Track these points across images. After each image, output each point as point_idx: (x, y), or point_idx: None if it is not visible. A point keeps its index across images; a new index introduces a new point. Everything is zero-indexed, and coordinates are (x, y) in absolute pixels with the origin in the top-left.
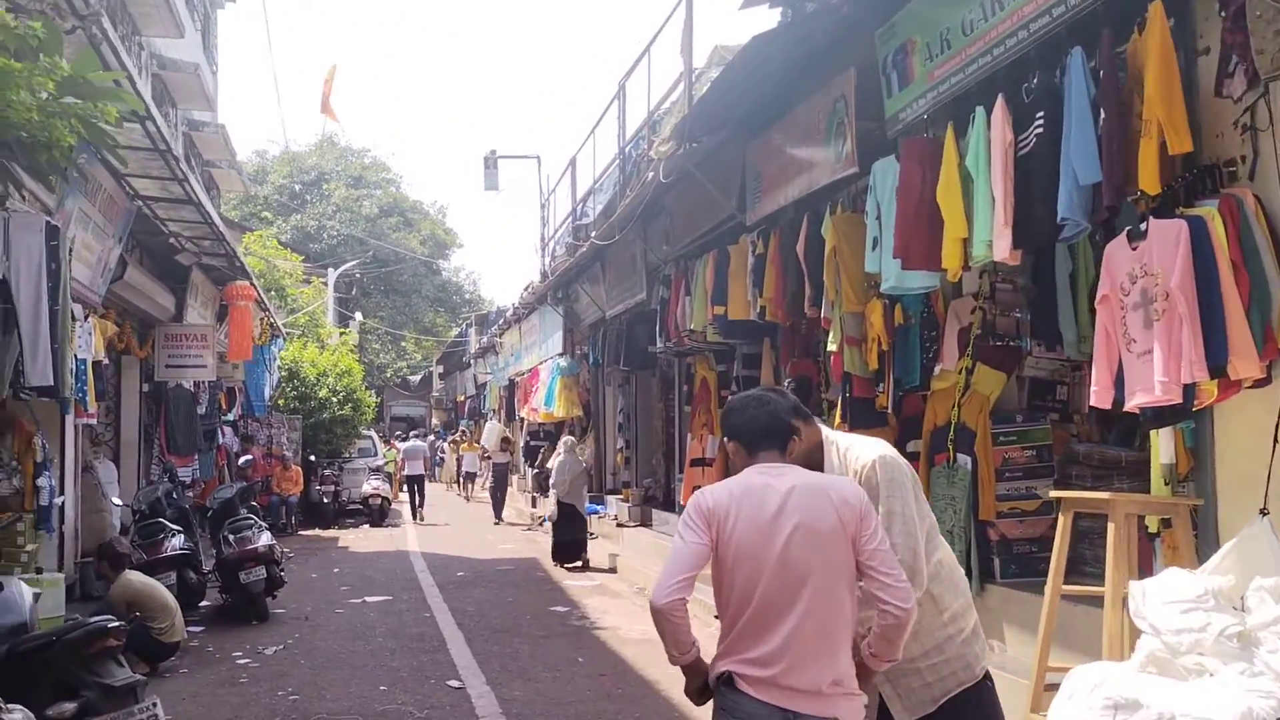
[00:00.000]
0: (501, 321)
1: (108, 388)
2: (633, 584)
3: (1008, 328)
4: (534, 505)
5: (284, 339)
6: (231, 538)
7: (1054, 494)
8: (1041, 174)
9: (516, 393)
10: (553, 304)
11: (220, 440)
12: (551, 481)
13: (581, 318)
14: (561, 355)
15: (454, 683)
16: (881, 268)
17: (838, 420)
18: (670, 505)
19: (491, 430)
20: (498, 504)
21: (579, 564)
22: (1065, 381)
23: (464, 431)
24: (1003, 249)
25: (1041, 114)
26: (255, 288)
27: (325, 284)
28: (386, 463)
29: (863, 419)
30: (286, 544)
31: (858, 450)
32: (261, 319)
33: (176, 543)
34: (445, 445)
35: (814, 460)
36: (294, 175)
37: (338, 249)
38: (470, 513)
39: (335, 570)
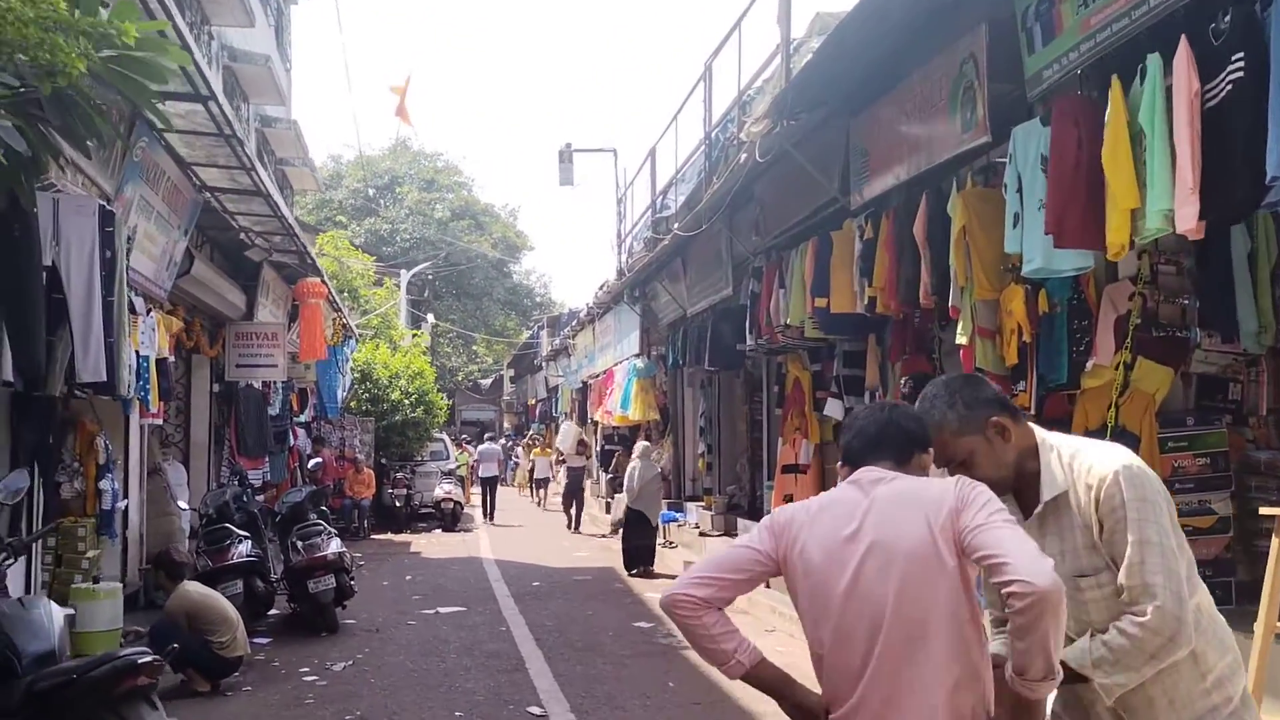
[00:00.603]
0: (574, 323)
1: (176, 387)
2: None
3: (1172, 316)
4: (608, 511)
5: (356, 340)
6: (300, 544)
7: (1267, 510)
8: (1239, 128)
9: (590, 395)
10: (629, 303)
11: (292, 442)
12: (625, 487)
13: (659, 317)
14: (638, 356)
15: (535, 709)
16: (1024, 247)
17: None
18: (756, 514)
19: (567, 432)
20: (572, 513)
21: (647, 570)
22: (1239, 379)
23: (536, 435)
24: (1188, 219)
25: (1240, 56)
26: (327, 285)
27: (398, 285)
28: (459, 466)
29: None
30: (358, 549)
31: (1091, 458)
32: (334, 319)
33: (243, 549)
34: (519, 449)
35: (1026, 470)
36: (368, 179)
37: (410, 252)
38: (543, 519)
39: (407, 578)
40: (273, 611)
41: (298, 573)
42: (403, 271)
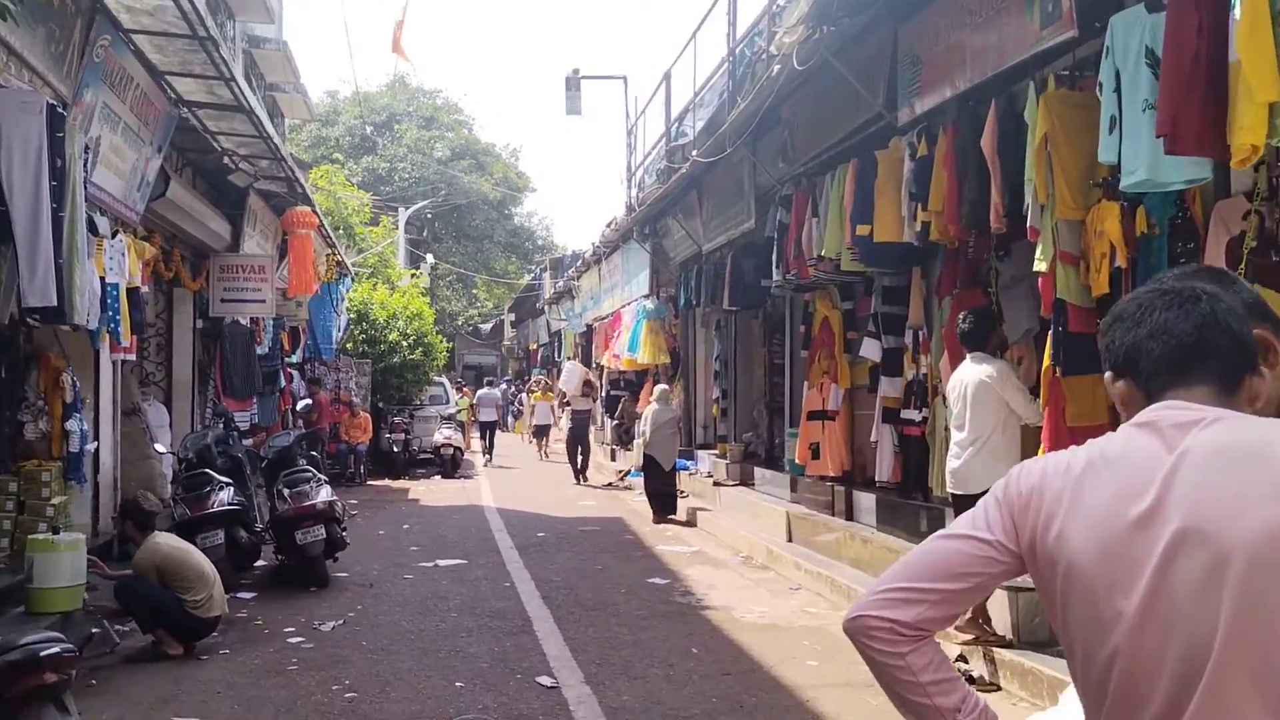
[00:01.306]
0: (579, 264)
1: (157, 322)
2: (735, 550)
3: None
4: (613, 459)
5: (353, 278)
6: (287, 492)
7: None
8: None
9: (595, 339)
10: (639, 240)
11: (283, 384)
12: (638, 431)
13: (671, 255)
14: (647, 297)
15: (545, 680)
16: (1122, 157)
17: (1046, 363)
18: (773, 462)
19: (571, 372)
20: (578, 461)
21: (677, 519)
22: None
23: (541, 379)
24: None
25: None
26: (318, 215)
27: (395, 224)
28: (459, 410)
29: (1081, 361)
30: (354, 495)
31: None
32: (327, 255)
33: (225, 497)
34: (523, 395)
35: None
36: (365, 116)
37: (408, 192)
38: (546, 467)
39: (405, 527)
40: (260, 563)
41: (284, 523)
42: (400, 209)
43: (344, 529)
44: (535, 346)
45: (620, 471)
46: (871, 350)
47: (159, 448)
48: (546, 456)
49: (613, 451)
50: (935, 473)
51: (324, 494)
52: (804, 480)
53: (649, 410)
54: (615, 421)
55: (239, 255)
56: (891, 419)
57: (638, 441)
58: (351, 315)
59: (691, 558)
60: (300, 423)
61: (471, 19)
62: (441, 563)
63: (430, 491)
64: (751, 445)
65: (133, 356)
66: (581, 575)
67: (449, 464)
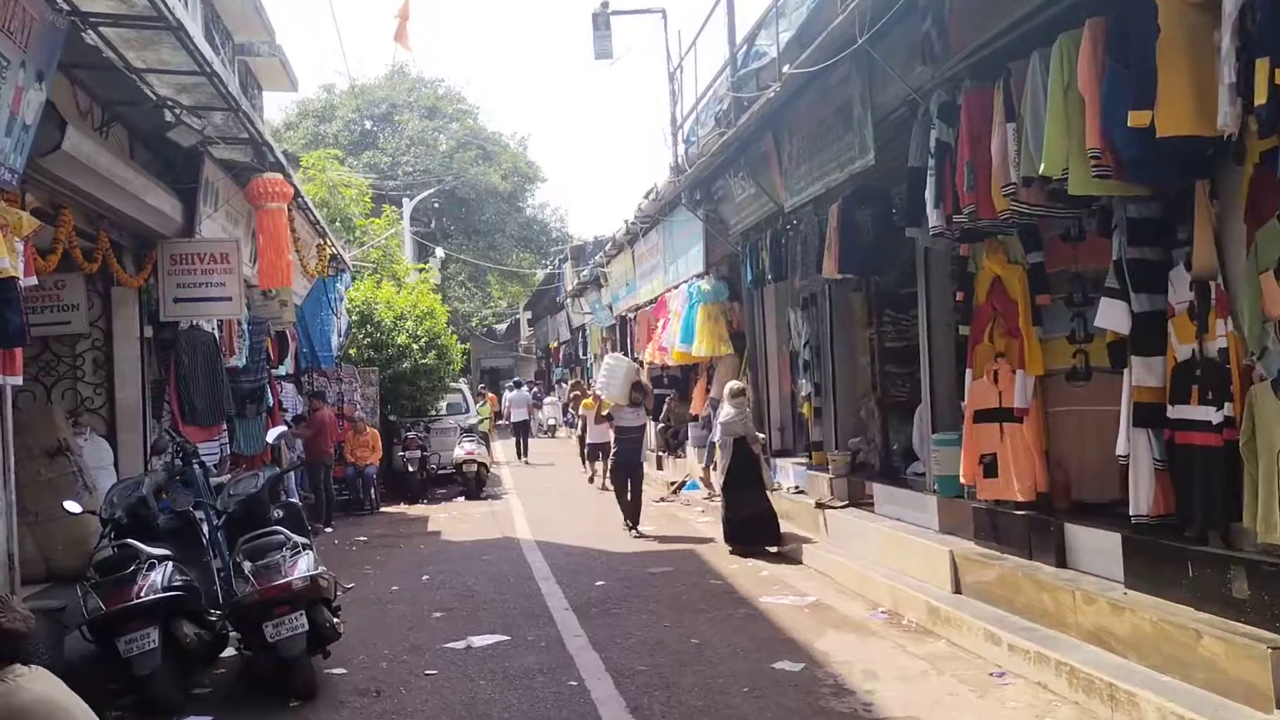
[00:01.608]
0: (608, 247)
1: (91, 331)
2: (869, 602)
3: None
4: (660, 468)
5: (352, 275)
6: (248, 566)
7: None
8: None
9: (634, 331)
10: (689, 207)
11: (270, 403)
12: (719, 440)
13: (731, 223)
14: (702, 276)
15: None
16: None
17: None
18: (892, 475)
19: (614, 371)
20: (627, 497)
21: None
22: None
23: (577, 381)
24: None
25: None
26: (292, 182)
27: (400, 215)
28: (481, 420)
29: None
30: (364, 528)
31: None
32: (318, 245)
33: (158, 580)
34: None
35: None
36: (363, 109)
37: (413, 187)
38: (581, 479)
39: (424, 578)
40: (228, 652)
41: (247, 611)
42: (405, 199)
43: (336, 611)
44: (556, 344)
45: (672, 484)
46: (1114, 317)
47: (71, 506)
48: (605, 486)
49: (659, 459)
50: (1253, 505)
51: (302, 566)
52: (968, 506)
53: (727, 417)
54: (661, 425)
55: (195, 242)
56: (1151, 420)
57: (719, 456)
58: (353, 317)
59: (814, 616)
60: (293, 449)
61: (471, 2)
62: (475, 641)
63: (454, 520)
64: (862, 454)
65: (17, 379)
66: (675, 658)
67: (473, 483)
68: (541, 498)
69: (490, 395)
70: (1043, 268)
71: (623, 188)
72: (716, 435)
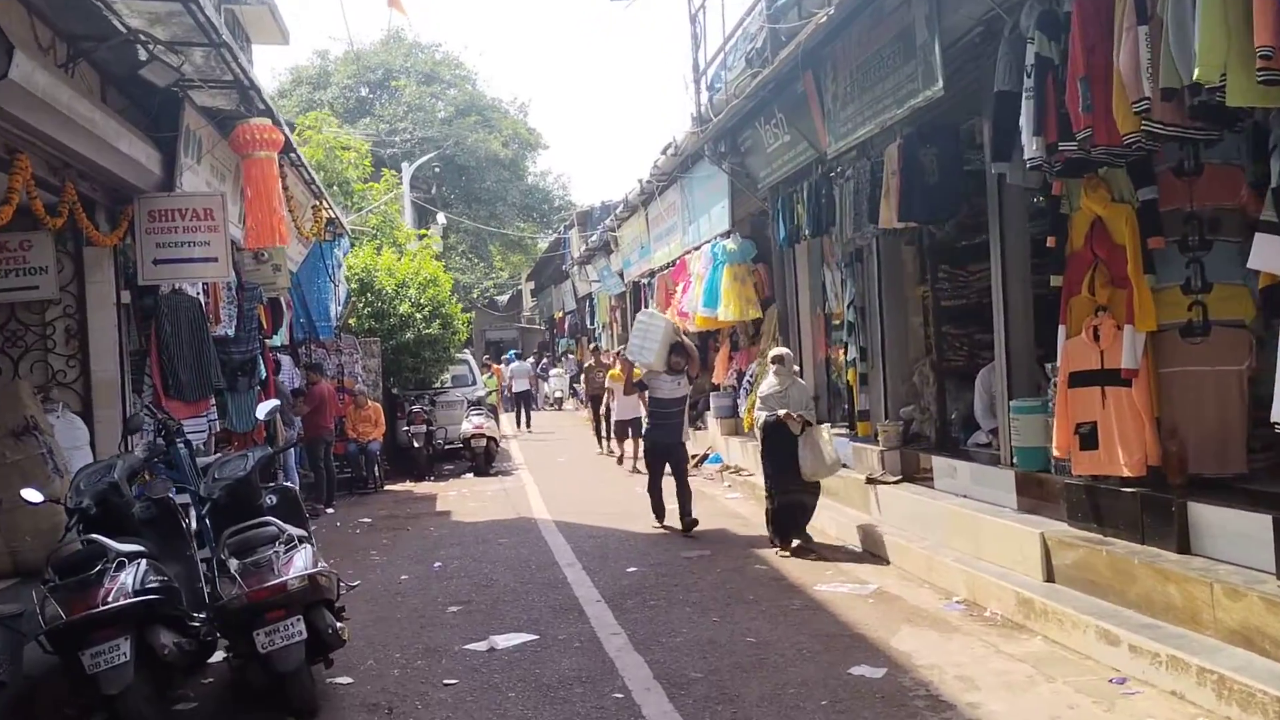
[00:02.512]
0: (619, 210)
1: (61, 296)
2: (941, 590)
3: None
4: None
5: (351, 241)
6: (234, 565)
7: None
8: None
9: (647, 297)
10: (713, 160)
11: (263, 375)
12: (760, 421)
13: (758, 176)
14: (727, 235)
15: None
16: None
17: None
18: (951, 447)
19: (650, 331)
20: (659, 489)
21: (805, 549)
22: None
23: (598, 347)
24: None
25: None
26: (282, 129)
27: (399, 178)
28: (489, 393)
29: None
30: (369, 509)
31: None
32: (313, 208)
33: (128, 582)
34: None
35: None
36: (359, 75)
37: (411, 155)
38: (591, 447)
39: (436, 565)
40: (216, 656)
41: (234, 617)
42: (405, 164)
43: (340, 613)
44: (560, 314)
45: (693, 457)
46: (1271, 255)
47: (29, 495)
48: (638, 469)
49: None
50: None
51: (298, 563)
52: (1058, 482)
53: (770, 389)
54: None
55: (175, 196)
56: None
57: (758, 431)
58: (352, 286)
59: (881, 607)
60: (291, 425)
61: None
62: (499, 641)
63: (464, 498)
64: (916, 424)
65: None
66: (733, 663)
67: (482, 458)
68: (555, 472)
69: (496, 366)
70: (1155, 205)
71: (626, 155)
72: (764, 413)
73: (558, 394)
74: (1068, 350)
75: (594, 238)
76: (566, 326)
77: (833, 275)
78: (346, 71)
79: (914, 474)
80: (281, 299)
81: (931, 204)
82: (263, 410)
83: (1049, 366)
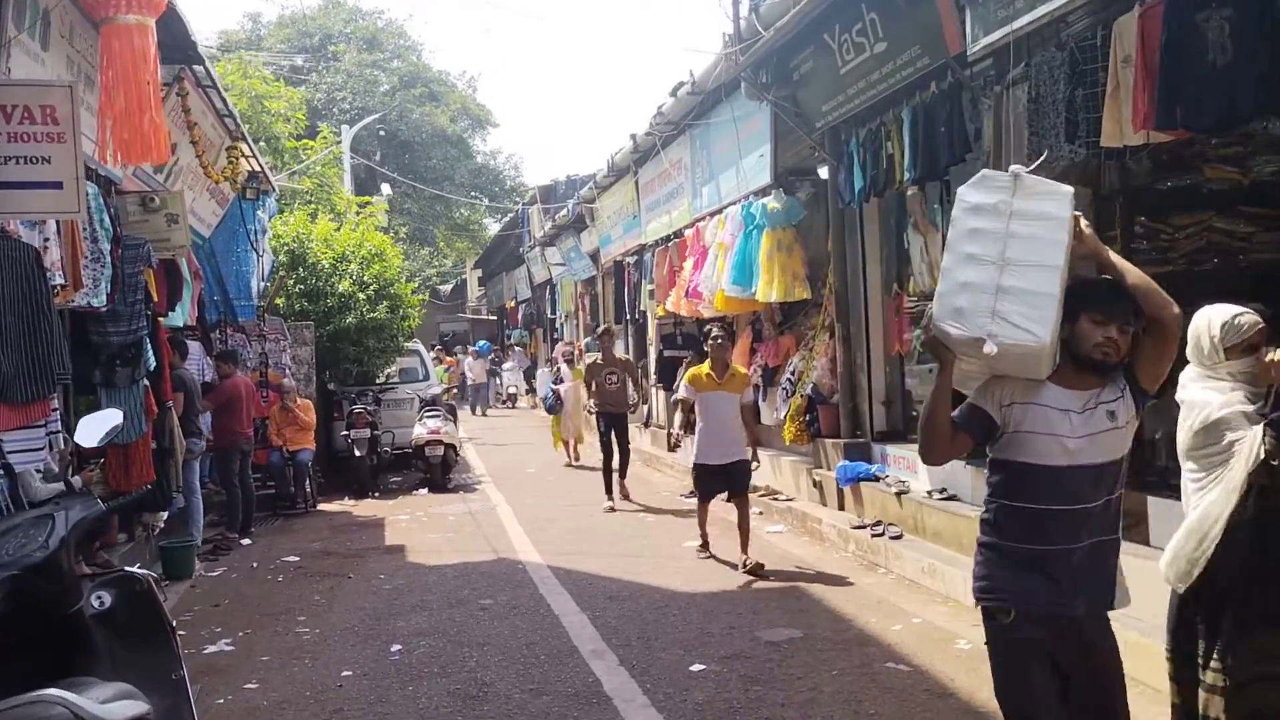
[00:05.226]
0: (600, 176)
1: None
2: (1158, 691)
3: None
4: (674, 449)
5: (277, 199)
6: None
7: None
8: None
9: (645, 277)
10: (753, 94)
11: (151, 365)
12: None
13: (816, 112)
14: (767, 192)
15: None
16: None
17: None
18: (1142, 482)
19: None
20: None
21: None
22: None
23: (569, 344)
24: None
25: None
26: None
27: (339, 138)
28: (445, 390)
29: None
30: (295, 537)
31: None
32: (229, 148)
33: None
34: (559, 366)
35: None
36: (295, 41)
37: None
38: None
39: (394, 650)
40: None
41: None
42: (344, 128)
43: None
44: (513, 303)
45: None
46: None
47: None
48: (625, 493)
49: (673, 440)
50: None
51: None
52: None
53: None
54: (674, 396)
55: None
56: None
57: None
58: (282, 259)
59: None
60: (194, 432)
61: None
62: None
63: (420, 526)
64: None
65: None
66: None
67: (438, 469)
68: (526, 487)
69: (449, 359)
70: None
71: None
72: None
73: (511, 389)
74: None
75: (563, 212)
76: (520, 317)
77: (921, 240)
78: (280, 35)
79: None
80: (183, 263)
81: (1223, 98)
82: (98, 429)
83: None
